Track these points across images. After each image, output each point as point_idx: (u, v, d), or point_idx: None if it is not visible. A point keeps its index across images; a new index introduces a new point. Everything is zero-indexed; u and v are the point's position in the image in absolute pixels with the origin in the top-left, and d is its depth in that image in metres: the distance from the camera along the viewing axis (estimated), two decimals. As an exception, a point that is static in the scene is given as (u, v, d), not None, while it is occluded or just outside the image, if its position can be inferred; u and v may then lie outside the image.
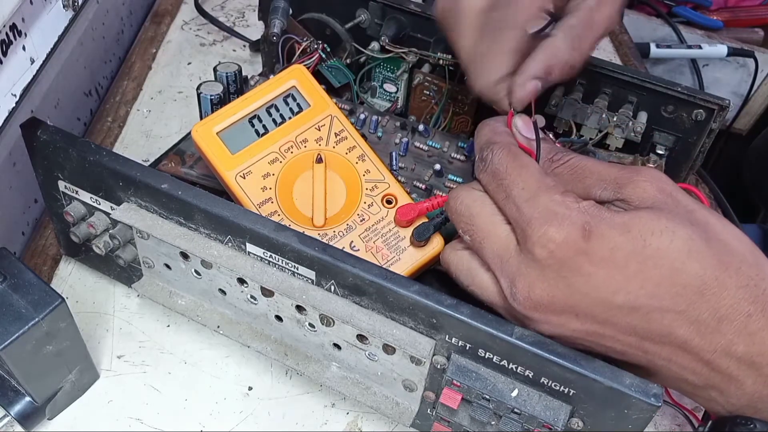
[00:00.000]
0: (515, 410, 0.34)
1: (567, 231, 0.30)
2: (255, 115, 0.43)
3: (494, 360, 0.34)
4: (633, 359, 0.32)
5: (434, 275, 0.44)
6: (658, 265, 0.29)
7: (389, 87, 0.54)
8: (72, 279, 0.48)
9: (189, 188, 0.37)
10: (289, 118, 0.43)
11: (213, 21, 0.70)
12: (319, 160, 0.42)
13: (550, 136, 0.44)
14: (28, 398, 0.39)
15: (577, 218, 0.30)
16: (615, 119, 0.46)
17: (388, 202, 0.43)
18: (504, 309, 0.34)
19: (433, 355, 0.35)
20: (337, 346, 0.39)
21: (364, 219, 0.42)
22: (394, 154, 0.48)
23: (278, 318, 0.39)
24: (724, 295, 0.29)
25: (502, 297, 0.33)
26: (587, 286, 0.30)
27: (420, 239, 0.41)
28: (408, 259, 0.41)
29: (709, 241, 0.30)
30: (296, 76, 0.44)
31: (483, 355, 0.34)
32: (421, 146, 0.48)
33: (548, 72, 0.37)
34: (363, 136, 0.45)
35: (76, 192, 0.41)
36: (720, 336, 0.30)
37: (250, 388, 0.43)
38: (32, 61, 0.48)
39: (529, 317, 0.32)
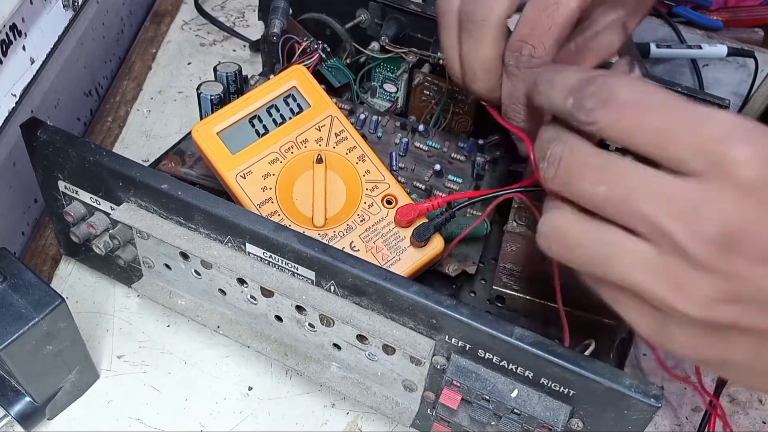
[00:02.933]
0: (515, 411, 0.34)
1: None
2: (255, 116, 0.43)
3: (494, 360, 0.34)
4: None
5: (434, 275, 0.44)
6: None
7: (389, 87, 0.54)
8: (72, 279, 0.48)
9: (189, 188, 0.37)
10: (290, 118, 0.43)
11: (213, 21, 0.70)
12: (320, 161, 0.42)
13: None
14: (28, 398, 0.39)
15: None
16: (615, 119, 0.46)
17: (388, 202, 0.43)
18: (653, 271, 0.26)
19: (433, 355, 0.35)
20: (337, 346, 0.39)
21: (364, 219, 0.42)
22: (394, 154, 0.48)
23: (278, 318, 0.39)
24: None
25: (657, 252, 0.26)
26: None
27: (420, 239, 0.41)
28: (408, 260, 0.41)
29: None
30: (296, 77, 0.44)
31: (483, 355, 0.34)
32: (421, 146, 0.48)
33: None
34: (363, 136, 0.45)
35: (76, 192, 0.41)
36: None
37: (250, 388, 0.43)
38: (32, 61, 0.48)
39: (711, 266, 0.25)
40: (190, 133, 0.43)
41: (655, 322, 0.27)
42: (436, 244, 0.42)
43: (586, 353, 0.35)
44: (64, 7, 0.52)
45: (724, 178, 0.24)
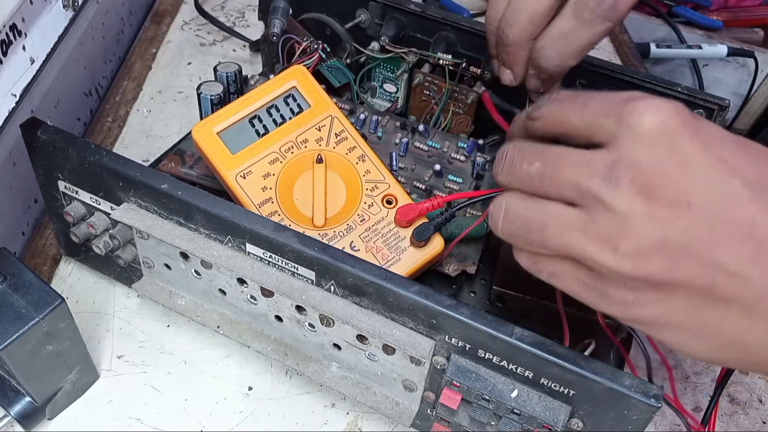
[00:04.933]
0: (515, 411, 0.34)
1: (672, 104, 0.27)
2: (255, 116, 0.43)
3: (494, 360, 0.34)
4: (744, 290, 0.27)
5: (434, 275, 0.44)
6: (754, 146, 0.28)
7: (389, 87, 0.54)
8: (72, 279, 0.48)
9: (189, 188, 0.37)
10: (290, 118, 0.43)
11: (213, 21, 0.70)
12: (320, 161, 0.42)
13: None
14: (28, 398, 0.39)
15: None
16: (615, 119, 0.46)
17: (388, 202, 0.43)
18: (583, 232, 0.28)
19: (433, 355, 0.35)
20: (337, 346, 0.39)
21: (364, 219, 0.42)
22: (394, 154, 0.48)
23: (278, 318, 0.39)
24: None
25: (592, 216, 0.28)
26: (702, 166, 0.27)
27: (420, 239, 0.41)
28: (408, 260, 0.41)
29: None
30: (297, 77, 0.44)
31: (483, 355, 0.34)
32: (421, 146, 0.48)
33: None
34: (363, 136, 0.45)
35: (76, 192, 0.41)
36: None
37: (250, 388, 0.43)
38: (32, 61, 0.48)
39: (630, 212, 0.27)
40: (190, 133, 0.43)
41: (593, 286, 0.29)
42: (436, 244, 0.42)
43: (586, 353, 0.36)
44: (64, 7, 0.52)
45: (632, 131, 0.27)
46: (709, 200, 0.26)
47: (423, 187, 0.47)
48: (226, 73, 0.49)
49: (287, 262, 0.36)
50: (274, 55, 0.52)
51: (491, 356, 0.34)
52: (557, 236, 0.29)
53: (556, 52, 0.38)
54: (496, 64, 0.42)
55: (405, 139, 0.48)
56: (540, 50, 0.38)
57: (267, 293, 0.38)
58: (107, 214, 0.41)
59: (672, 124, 0.27)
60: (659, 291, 0.28)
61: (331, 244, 0.38)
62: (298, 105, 0.44)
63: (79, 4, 0.54)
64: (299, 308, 0.38)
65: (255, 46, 0.69)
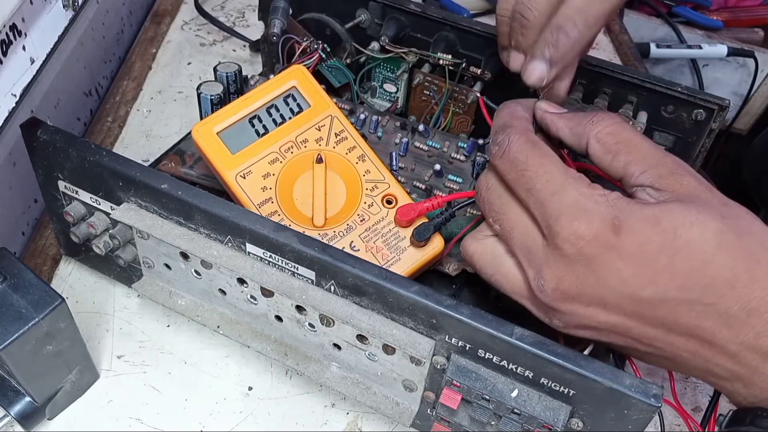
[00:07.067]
0: (515, 410, 0.34)
1: (596, 226, 0.30)
2: (255, 115, 0.43)
3: (494, 360, 0.34)
4: (658, 352, 0.32)
5: (434, 275, 0.44)
6: (689, 257, 0.29)
7: (389, 87, 0.54)
8: (72, 279, 0.48)
9: (189, 188, 0.37)
10: (290, 118, 0.43)
11: (213, 21, 0.70)
12: (320, 161, 0.42)
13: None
14: (28, 398, 0.39)
15: (606, 212, 0.30)
16: (615, 119, 0.46)
17: (388, 202, 0.43)
18: (528, 300, 0.34)
19: (433, 355, 0.35)
20: (337, 346, 0.39)
21: (364, 219, 0.42)
22: (394, 154, 0.48)
23: (278, 318, 0.39)
24: (754, 288, 0.29)
25: (528, 287, 0.33)
26: (616, 281, 0.30)
27: (420, 239, 0.41)
28: (408, 260, 0.41)
29: (741, 235, 0.30)
30: (296, 77, 0.44)
31: (483, 355, 0.34)
32: (421, 146, 0.48)
33: (552, 60, 0.38)
34: (363, 136, 0.45)
35: (76, 192, 0.41)
36: (748, 329, 0.29)
37: (250, 388, 0.43)
38: (32, 61, 0.48)
39: (556, 308, 0.32)
40: (190, 133, 0.43)
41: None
42: (436, 243, 0.42)
43: (586, 353, 0.35)
44: (64, 7, 0.52)
45: (557, 247, 0.31)
46: (622, 306, 0.31)
47: (423, 187, 0.47)
48: (226, 73, 0.49)
49: (287, 262, 0.36)
50: (274, 55, 0.52)
51: (491, 356, 0.34)
52: (511, 294, 0.35)
53: (575, 23, 0.38)
54: (506, 54, 0.41)
55: (405, 139, 0.48)
56: (559, 27, 0.38)
57: (267, 293, 0.38)
58: (107, 214, 0.41)
59: (593, 249, 0.30)
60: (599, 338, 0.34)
61: (331, 244, 0.38)
62: (298, 105, 0.44)
63: (79, 4, 0.54)
64: (299, 308, 0.38)
65: (255, 46, 0.69)
